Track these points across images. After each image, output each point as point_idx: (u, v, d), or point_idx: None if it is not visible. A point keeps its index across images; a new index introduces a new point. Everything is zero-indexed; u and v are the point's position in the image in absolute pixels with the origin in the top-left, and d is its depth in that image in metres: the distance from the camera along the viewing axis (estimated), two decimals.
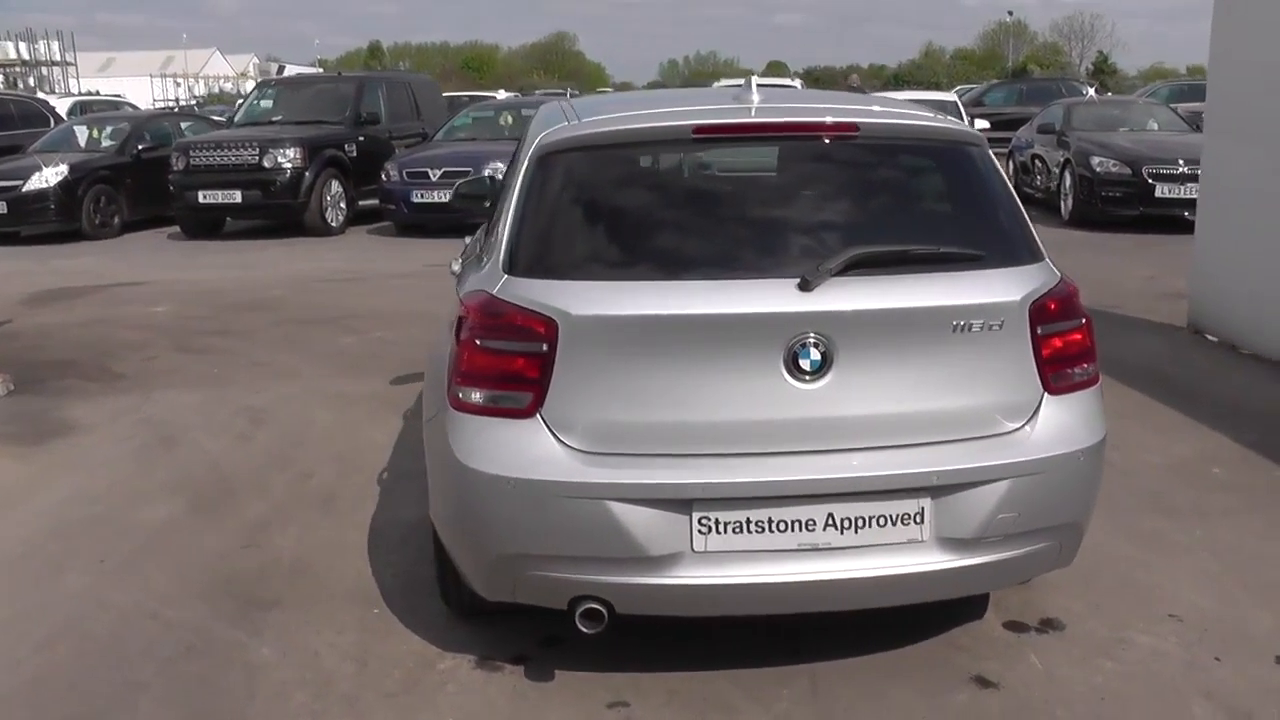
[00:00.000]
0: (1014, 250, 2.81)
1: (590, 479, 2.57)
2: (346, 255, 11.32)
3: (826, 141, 2.88)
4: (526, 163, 2.91)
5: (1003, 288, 2.73)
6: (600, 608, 2.66)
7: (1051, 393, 2.77)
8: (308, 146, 12.34)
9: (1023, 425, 2.75)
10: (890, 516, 2.63)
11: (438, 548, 3.55)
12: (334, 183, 12.65)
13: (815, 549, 2.62)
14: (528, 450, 2.61)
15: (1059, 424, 2.77)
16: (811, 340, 2.59)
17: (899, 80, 65.09)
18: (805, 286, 2.60)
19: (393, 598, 3.56)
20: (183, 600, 3.55)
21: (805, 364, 2.59)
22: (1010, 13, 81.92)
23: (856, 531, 2.62)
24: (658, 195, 2.87)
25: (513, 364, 2.65)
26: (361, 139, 13.26)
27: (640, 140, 2.86)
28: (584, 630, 2.69)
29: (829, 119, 2.89)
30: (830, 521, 2.61)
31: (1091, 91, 19.10)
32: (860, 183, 2.90)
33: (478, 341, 2.68)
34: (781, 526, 2.60)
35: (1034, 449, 2.71)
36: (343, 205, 12.82)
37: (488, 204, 5.13)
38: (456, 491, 2.73)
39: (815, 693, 2.94)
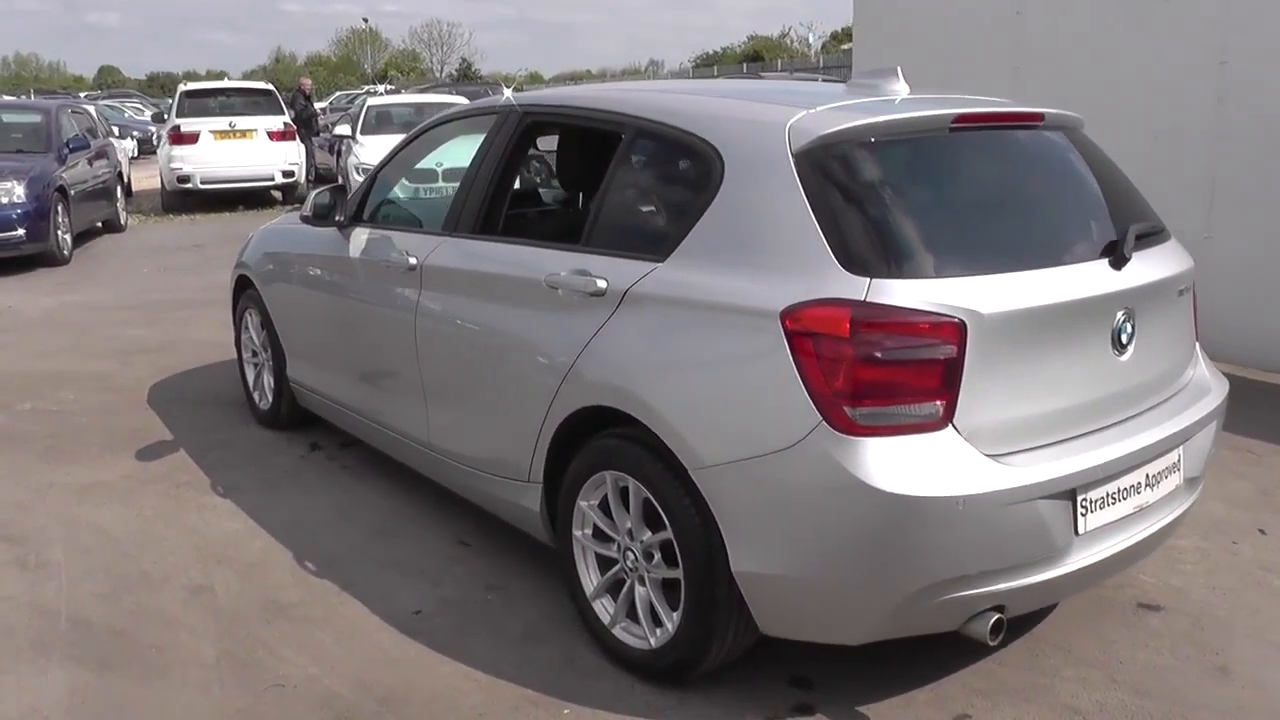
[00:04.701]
0: (1161, 223, 3.21)
1: (1021, 482, 2.44)
2: None
3: (1033, 129, 3.02)
4: (783, 156, 2.62)
5: (1186, 255, 3.12)
6: (1003, 616, 2.55)
7: (1198, 343, 3.24)
8: None
9: (1194, 372, 3.17)
10: (1168, 467, 2.88)
11: (583, 618, 3.07)
12: None
13: (1141, 509, 2.78)
14: (955, 464, 2.40)
15: (1207, 369, 3.23)
16: (1127, 315, 2.74)
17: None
18: (1117, 265, 2.73)
19: (567, 688, 2.94)
20: None
21: (1124, 337, 2.73)
22: (366, 19, 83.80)
23: (1159, 486, 2.84)
24: (963, 187, 2.77)
25: (921, 373, 2.40)
26: None
27: (909, 130, 2.73)
28: (990, 644, 2.55)
29: (1031, 109, 3.03)
30: (1147, 481, 2.79)
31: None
32: (1067, 164, 3.07)
33: (878, 354, 2.38)
34: (1124, 494, 2.71)
35: (1219, 393, 3.13)
36: None
37: (339, 216, 4.31)
38: (870, 524, 2.38)
39: (1058, 646, 3.09)
